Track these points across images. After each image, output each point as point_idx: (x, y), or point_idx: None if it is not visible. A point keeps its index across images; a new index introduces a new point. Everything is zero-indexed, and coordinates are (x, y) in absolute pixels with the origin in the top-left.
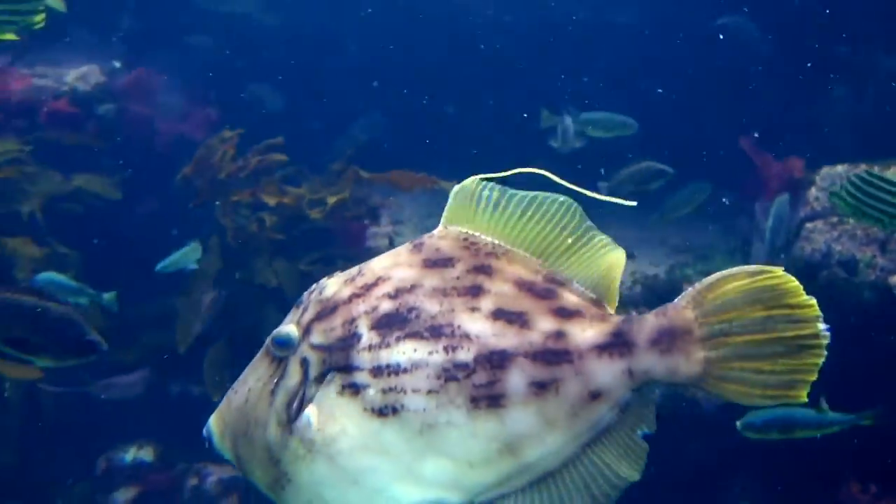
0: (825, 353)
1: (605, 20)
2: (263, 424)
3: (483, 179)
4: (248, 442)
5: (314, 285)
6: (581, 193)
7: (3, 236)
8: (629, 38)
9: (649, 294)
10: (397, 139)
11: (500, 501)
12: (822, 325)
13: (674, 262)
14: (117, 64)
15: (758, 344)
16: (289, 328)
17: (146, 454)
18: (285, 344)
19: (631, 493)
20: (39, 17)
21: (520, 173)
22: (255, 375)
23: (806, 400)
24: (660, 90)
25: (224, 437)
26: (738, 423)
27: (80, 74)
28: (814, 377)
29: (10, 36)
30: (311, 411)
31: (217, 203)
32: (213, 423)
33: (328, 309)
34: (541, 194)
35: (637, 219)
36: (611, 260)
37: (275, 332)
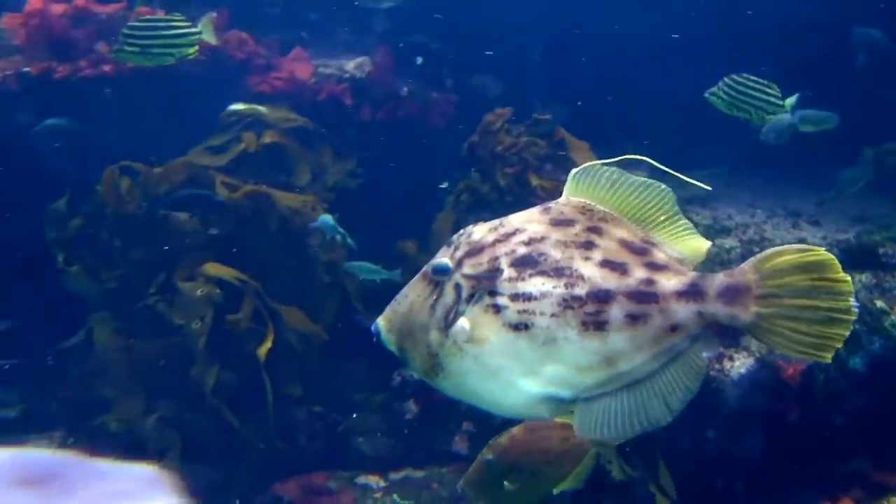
0: (851, 327)
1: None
2: (425, 328)
3: (602, 164)
4: (412, 339)
5: (462, 230)
6: (674, 176)
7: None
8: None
9: (845, 255)
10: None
11: (598, 398)
12: (853, 301)
13: (859, 229)
14: (419, 60)
15: (800, 308)
16: (445, 260)
17: None
18: (444, 272)
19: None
20: (193, 50)
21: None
22: (415, 292)
23: (830, 361)
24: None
25: (389, 334)
26: None
27: (357, 64)
28: (840, 345)
29: (169, 61)
30: (464, 322)
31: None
32: (381, 323)
33: (476, 249)
34: (647, 180)
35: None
36: (694, 241)
37: (434, 262)
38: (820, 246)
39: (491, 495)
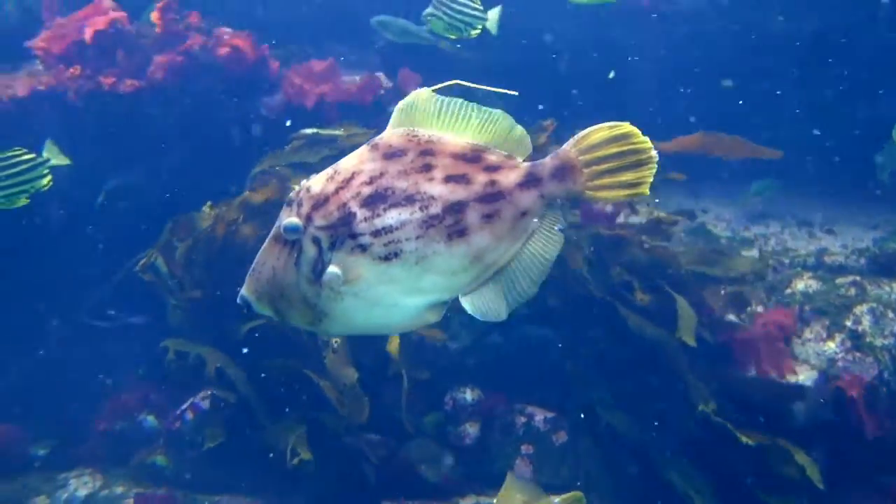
0: (656, 166)
1: None
2: (295, 285)
3: (422, 92)
4: (285, 299)
5: (297, 187)
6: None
7: None
8: None
9: (871, 265)
10: None
11: (477, 290)
12: (654, 152)
13: (874, 236)
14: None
15: (617, 165)
16: (294, 219)
17: (474, 395)
18: (295, 230)
19: None
20: (47, 181)
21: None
22: (272, 257)
23: (648, 193)
24: None
25: (260, 301)
26: None
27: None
28: (651, 179)
29: (23, 201)
30: (334, 269)
31: None
32: (248, 293)
33: (321, 201)
34: (454, 99)
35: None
36: (512, 126)
37: (283, 224)
38: (842, 254)
39: None
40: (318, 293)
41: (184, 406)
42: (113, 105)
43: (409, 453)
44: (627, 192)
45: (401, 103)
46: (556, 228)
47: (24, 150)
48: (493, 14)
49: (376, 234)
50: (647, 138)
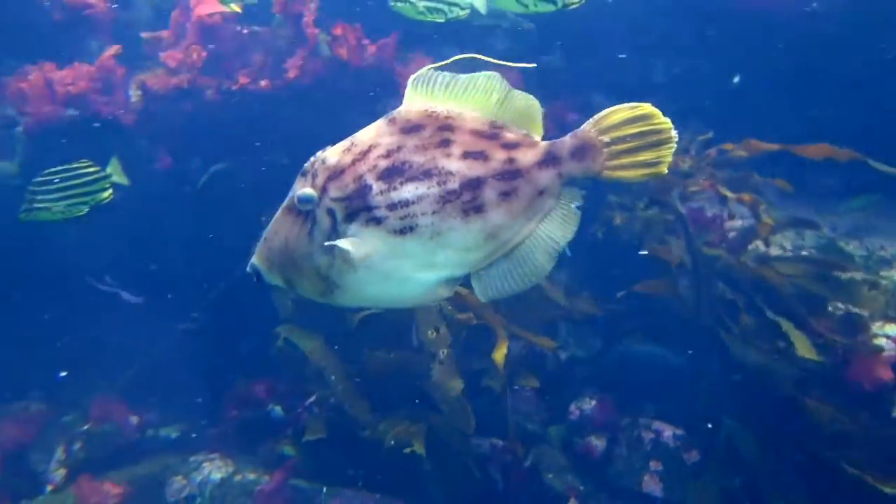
0: (676, 145)
1: None
2: (308, 256)
3: (433, 68)
4: (297, 269)
5: (312, 158)
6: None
7: None
8: None
9: None
10: None
11: (489, 267)
12: (674, 132)
13: None
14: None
15: (637, 145)
16: (308, 190)
17: (599, 406)
18: (309, 201)
19: None
20: (107, 194)
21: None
22: (284, 227)
23: (666, 172)
24: None
25: (270, 270)
26: None
27: None
28: (670, 159)
29: (83, 210)
30: (349, 240)
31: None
32: (258, 262)
33: (337, 172)
34: (473, 74)
35: None
36: (528, 104)
37: (297, 194)
38: None
39: None
40: (330, 264)
41: (311, 398)
42: (249, 103)
43: (535, 460)
44: (646, 171)
45: (414, 76)
46: (573, 206)
47: (90, 163)
48: None
49: (392, 207)
50: (667, 119)
